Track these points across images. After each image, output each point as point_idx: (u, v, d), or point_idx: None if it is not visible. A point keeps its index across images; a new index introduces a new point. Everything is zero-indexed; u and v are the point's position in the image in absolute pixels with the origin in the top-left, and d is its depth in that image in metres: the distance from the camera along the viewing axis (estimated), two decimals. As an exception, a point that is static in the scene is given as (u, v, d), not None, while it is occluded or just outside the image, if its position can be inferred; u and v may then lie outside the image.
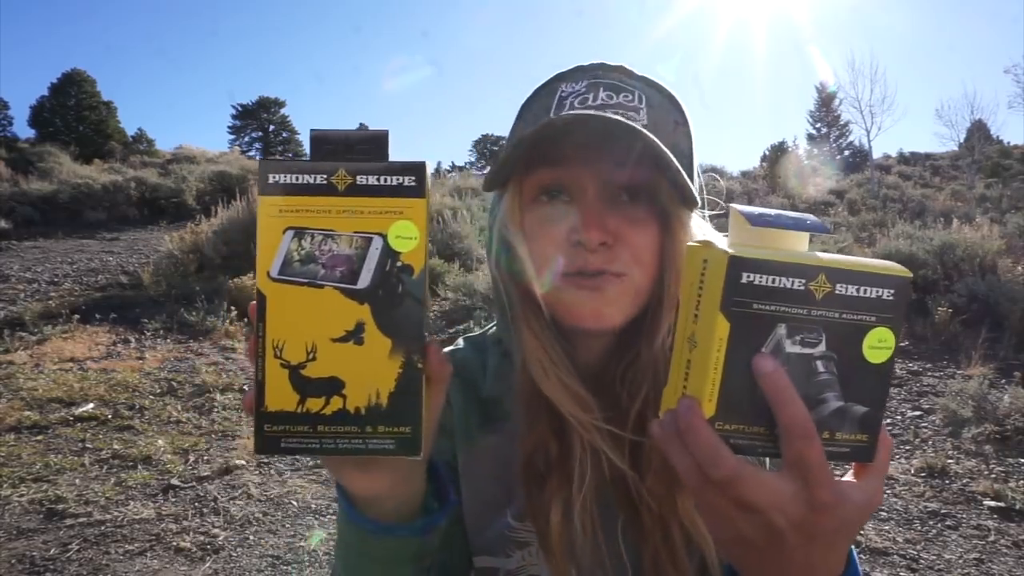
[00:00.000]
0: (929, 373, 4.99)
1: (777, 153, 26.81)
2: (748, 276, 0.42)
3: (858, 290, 0.44)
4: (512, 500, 0.73)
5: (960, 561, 2.71)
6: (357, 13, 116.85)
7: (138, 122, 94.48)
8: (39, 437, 3.82)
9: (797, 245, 0.46)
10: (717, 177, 0.80)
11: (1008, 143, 29.07)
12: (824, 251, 0.46)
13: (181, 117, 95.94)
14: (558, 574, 0.70)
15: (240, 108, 46.59)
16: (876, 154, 27.02)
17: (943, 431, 3.97)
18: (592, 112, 0.64)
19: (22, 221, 11.27)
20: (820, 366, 0.44)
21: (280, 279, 0.51)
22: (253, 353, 0.51)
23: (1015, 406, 3.89)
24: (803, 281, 0.43)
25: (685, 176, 0.63)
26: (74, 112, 32.22)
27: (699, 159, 0.74)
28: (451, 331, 6.01)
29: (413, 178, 0.51)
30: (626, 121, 0.62)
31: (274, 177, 0.51)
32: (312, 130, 0.52)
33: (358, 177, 0.51)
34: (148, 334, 5.81)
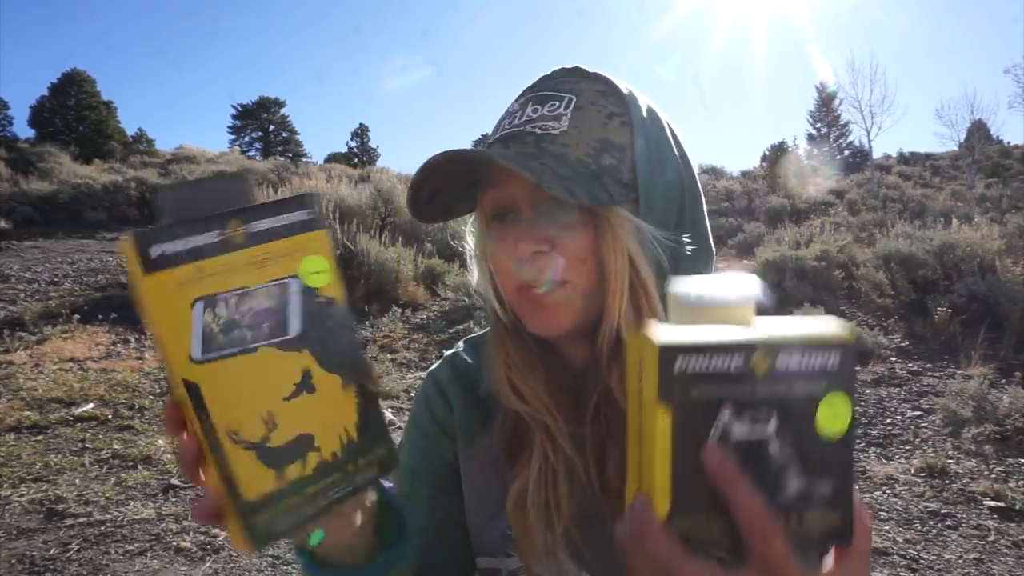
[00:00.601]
0: (929, 373, 4.99)
1: (777, 153, 26.78)
2: (682, 363, 0.40)
3: (801, 361, 0.41)
4: None
5: (960, 561, 2.71)
6: (357, 13, 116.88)
7: (138, 122, 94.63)
8: (39, 437, 3.82)
9: (740, 318, 0.43)
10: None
11: (1008, 143, 29.09)
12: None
13: (181, 117, 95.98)
14: (524, 560, 0.73)
15: (240, 108, 46.59)
16: (876, 154, 27.04)
17: (943, 431, 3.97)
18: (454, 150, 0.67)
19: (22, 221, 11.27)
20: (774, 447, 0.41)
21: (207, 359, 0.46)
22: (192, 461, 0.47)
23: (1015, 406, 3.89)
24: (741, 359, 0.40)
25: (563, 184, 0.62)
26: (74, 112, 32.22)
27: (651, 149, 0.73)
28: (451, 331, 6.01)
29: (307, 211, 0.49)
30: (462, 152, 0.67)
31: (159, 248, 0.44)
32: (158, 195, 0.46)
33: (253, 224, 0.47)
34: (148, 334, 5.81)
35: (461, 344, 0.89)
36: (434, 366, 0.88)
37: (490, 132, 0.76)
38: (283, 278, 0.48)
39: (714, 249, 0.76)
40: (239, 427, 0.47)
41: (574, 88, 0.70)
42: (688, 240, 0.71)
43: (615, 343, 0.67)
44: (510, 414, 0.74)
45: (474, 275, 0.79)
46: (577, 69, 0.73)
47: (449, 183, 0.71)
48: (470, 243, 0.79)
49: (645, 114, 0.71)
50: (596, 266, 0.67)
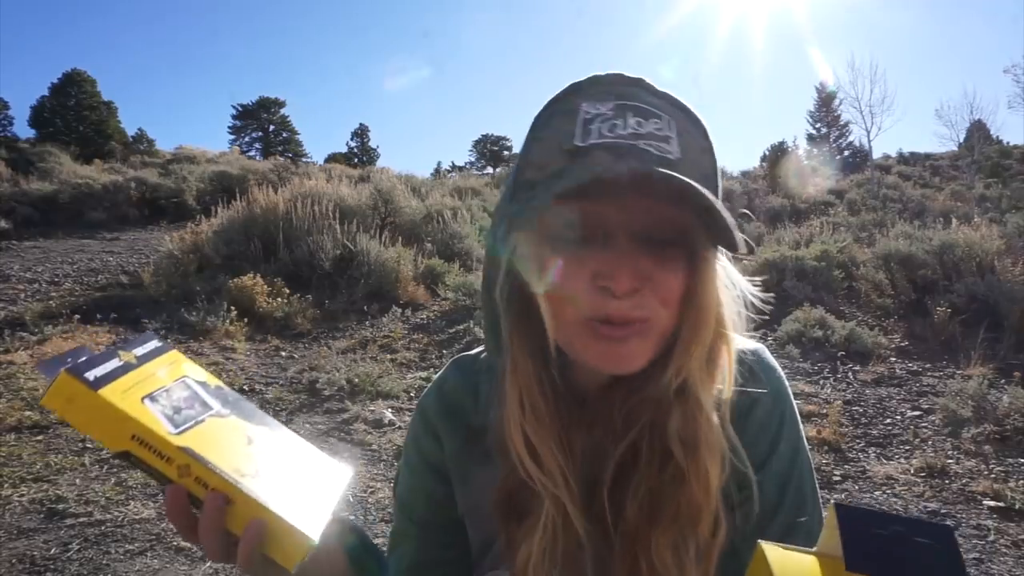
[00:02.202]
0: (929, 373, 4.99)
1: (777, 153, 26.77)
2: None
3: None
4: None
5: (960, 561, 2.72)
6: (357, 14, 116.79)
7: (138, 122, 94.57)
8: (39, 437, 3.82)
9: None
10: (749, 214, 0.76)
11: (1008, 143, 29.06)
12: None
13: (181, 117, 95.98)
14: None
15: (240, 108, 46.60)
16: (876, 154, 27.03)
17: (943, 431, 3.97)
18: (658, 169, 0.58)
19: (22, 221, 11.25)
20: None
21: (182, 431, 0.58)
22: (217, 513, 0.55)
23: (1015, 406, 3.89)
24: None
25: (728, 222, 0.58)
26: (74, 112, 32.20)
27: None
28: (451, 331, 6.02)
29: (156, 340, 0.67)
30: (690, 183, 0.57)
31: (90, 374, 0.57)
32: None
33: (136, 351, 0.63)
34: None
35: (449, 367, 0.84)
36: (423, 395, 0.84)
37: (537, 129, 0.66)
38: (179, 379, 0.64)
39: None
40: (239, 466, 0.58)
41: (659, 105, 0.63)
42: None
43: (681, 391, 0.64)
44: (514, 476, 0.67)
45: (499, 290, 0.68)
46: (643, 82, 0.65)
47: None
48: (521, 253, 0.65)
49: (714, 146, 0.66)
50: (679, 307, 0.63)
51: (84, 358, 0.58)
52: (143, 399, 0.58)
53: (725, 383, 0.65)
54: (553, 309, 0.63)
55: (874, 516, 0.40)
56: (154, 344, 0.65)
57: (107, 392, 0.56)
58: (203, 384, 0.65)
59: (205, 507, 0.56)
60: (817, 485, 0.73)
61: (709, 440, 0.64)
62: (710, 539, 0.64)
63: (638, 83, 0.65)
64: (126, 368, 0.60)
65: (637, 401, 0.66)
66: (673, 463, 0.64)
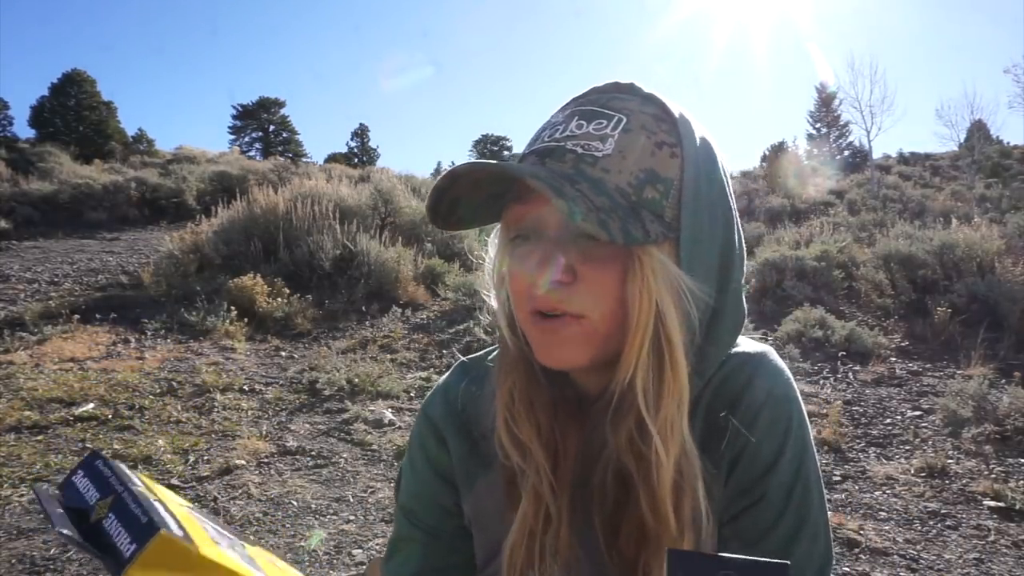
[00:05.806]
0: (929, 373, 4.99)
1: (777, 153, 26.77)
2: None
3: None
4: None
5: (960, 561, 2.71)
6: (357, 13, 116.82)
7: (138, 122, 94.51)
8: (39, 437, 3.82)
9: None
10: None
11: (1008, 143, 29.04)
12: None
13: (181, 117, 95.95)
14: None
15: (240, 108, 46.58)
16: (876, 154, 27.00)
17: (943, 431, 3.97)
18: (480, 162, 0.62)
19: (22, 221, 11.26)
20: None
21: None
22: None
23: (1015, 406, 3.89)
24: None
25: (597, 217, 0.57)
26: (74, 112, 32.19)
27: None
28: (451, 331, 6.02)
29: (126, 467, 0.53)
30: (490, 165, 0.61)
31: (171, 525, 0.43)
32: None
33: (138, 480, 0.50)
34: (148, 334, 5.80)
35: (454, 371, 0.83)
36: (427, 400, 0.83)
37: (532, 137, 0.69)
38: (188, 508, 0.52)
39: (746, 310, 0.70)
40: None
41: (625, 107, 0.64)
42: (724, 299, 0.65)
43: (628, 397, 0.62)
44: (507, 470, 0.70)
45: (490, 293, 0.73)
46: (632, 86, 0.67)
47: (474, 192, 0.66)
48: (490, 255, 0.73)
49: (699, 146, 0.65)
50: (619, 307, 0.62)
51: (117, 503, 0.42)
52: (219, 547, 0.45)
53: (683, 392, 0.62)
54: (513, 304, 0.67)
55: (707, 560, 0.42)
56: (126, 467, 0.51)
57: (204, 548, 0.43)
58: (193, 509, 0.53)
59: None
60: (824, 489, 0.72)
61: (664, 458, 0.61)
62: None
63: (622, 88, 0.67)
64: (167, 508, 0.45)
65: (613, 409, 0.65)
66: (629, 484, 0.64)
